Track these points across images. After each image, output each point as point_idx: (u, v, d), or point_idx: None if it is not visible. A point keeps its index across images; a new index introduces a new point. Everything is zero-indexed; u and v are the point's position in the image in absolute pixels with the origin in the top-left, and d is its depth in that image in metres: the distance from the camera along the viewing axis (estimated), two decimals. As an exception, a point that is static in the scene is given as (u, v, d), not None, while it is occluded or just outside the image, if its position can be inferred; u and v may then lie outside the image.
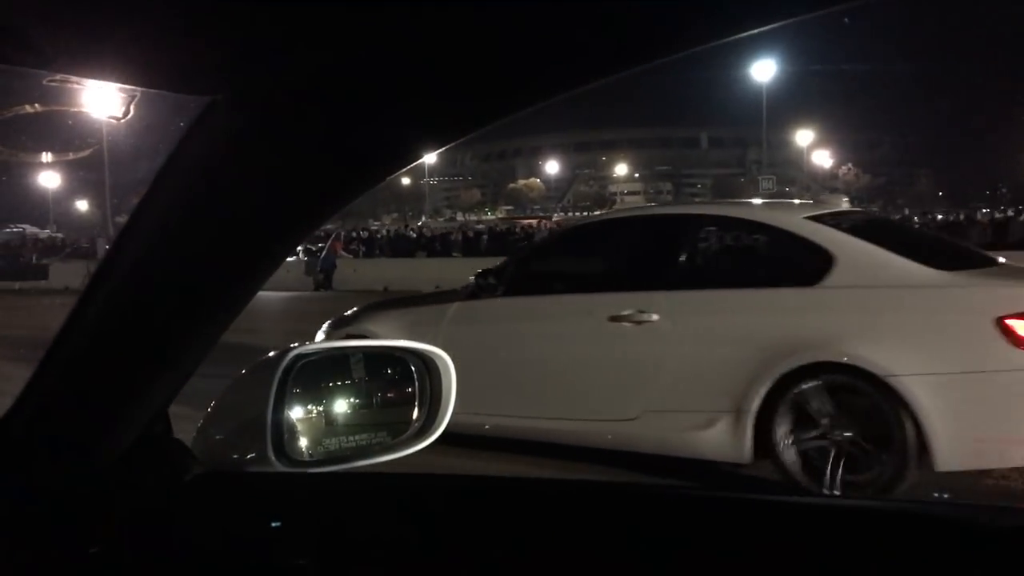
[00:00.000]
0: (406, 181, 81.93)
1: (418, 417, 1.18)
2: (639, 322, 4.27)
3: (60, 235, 41.09)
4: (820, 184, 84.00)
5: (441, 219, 68.34)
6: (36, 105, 1.01)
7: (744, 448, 3.96)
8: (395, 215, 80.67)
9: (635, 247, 4.91)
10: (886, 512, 0.90)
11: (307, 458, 1.08)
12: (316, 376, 1.11)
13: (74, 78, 0.83)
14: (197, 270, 0.84)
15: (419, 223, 52.52)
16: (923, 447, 3.60)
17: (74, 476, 0.91)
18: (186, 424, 1.04)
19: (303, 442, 1.09)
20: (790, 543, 0.85)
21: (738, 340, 4.06)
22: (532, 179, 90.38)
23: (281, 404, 1.02)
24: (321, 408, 1.12)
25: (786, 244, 4.25)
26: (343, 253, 23.38)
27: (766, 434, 3.91)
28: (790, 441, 3.90)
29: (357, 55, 0.68)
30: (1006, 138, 67.39)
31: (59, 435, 0.91)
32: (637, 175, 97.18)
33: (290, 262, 21.76)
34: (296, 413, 1.08)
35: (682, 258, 4.48)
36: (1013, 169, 67.44)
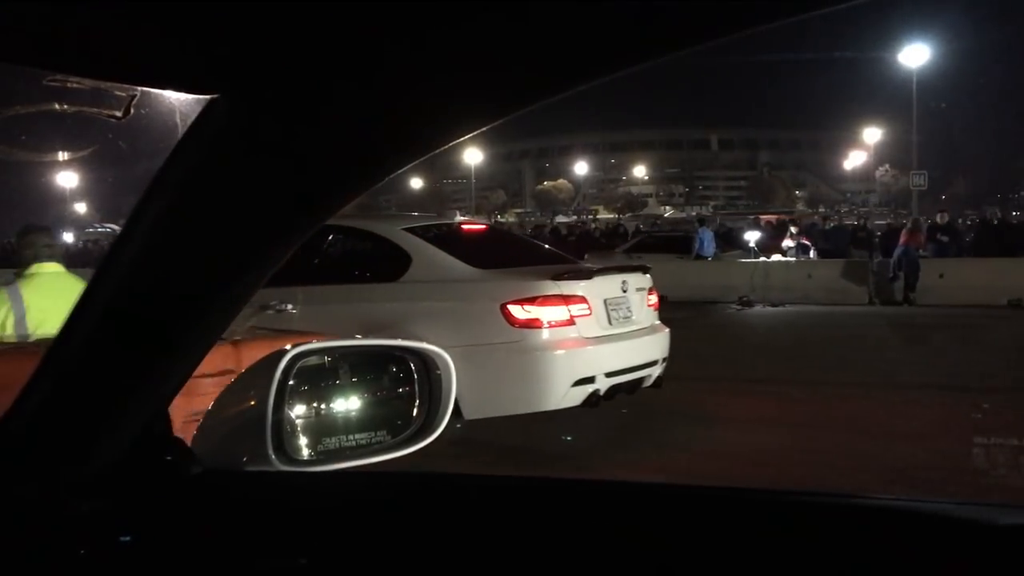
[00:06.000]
0: (418, 183, 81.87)
1: (417, 416, 1.18)
2: (280, 310, 5.45)
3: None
4: (830, 186, 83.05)
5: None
6: (64, 106, 1.01)
7: None
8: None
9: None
10: (887, 511, 0.89)
11: (307, 457, 1.08)
12: (316, 375, 1.12)
13: (75, 78, 0.84)
14: (197, 270, 0.84)
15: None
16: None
17: (74, 476, 0.91)
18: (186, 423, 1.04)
19: (303, 441, 1.09)
20: (790, 541, 0.84)
21: (343, 320, 5.36)
22: (560, 180, 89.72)
23: (281, 403, 1.03)
24: (321, 407, 1.13)
25: (385, 248, 5.79)
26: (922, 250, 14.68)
27: None
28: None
29: (356, 54, 0.68)
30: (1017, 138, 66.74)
31: (59, 435, 0.91)
32: (647, 177, 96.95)
33: (799, 262, 16.42)
34: (296, 412, 1.08)
35: (314, 260, 5.73)
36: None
